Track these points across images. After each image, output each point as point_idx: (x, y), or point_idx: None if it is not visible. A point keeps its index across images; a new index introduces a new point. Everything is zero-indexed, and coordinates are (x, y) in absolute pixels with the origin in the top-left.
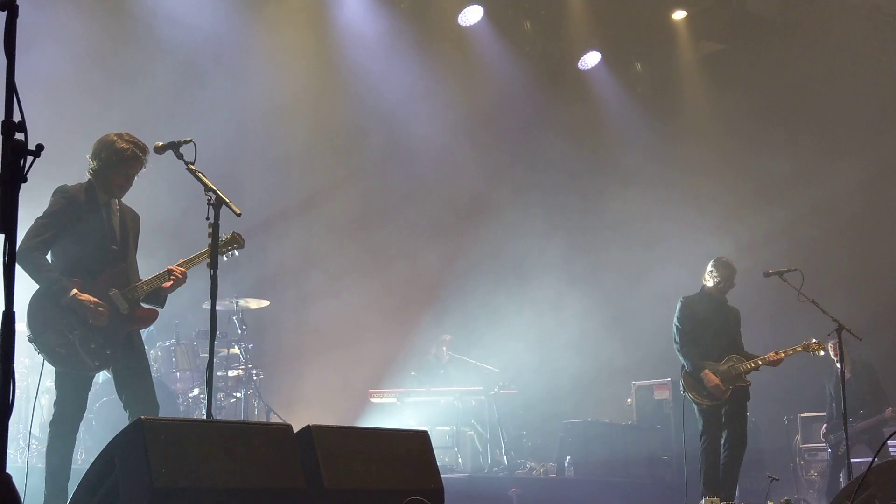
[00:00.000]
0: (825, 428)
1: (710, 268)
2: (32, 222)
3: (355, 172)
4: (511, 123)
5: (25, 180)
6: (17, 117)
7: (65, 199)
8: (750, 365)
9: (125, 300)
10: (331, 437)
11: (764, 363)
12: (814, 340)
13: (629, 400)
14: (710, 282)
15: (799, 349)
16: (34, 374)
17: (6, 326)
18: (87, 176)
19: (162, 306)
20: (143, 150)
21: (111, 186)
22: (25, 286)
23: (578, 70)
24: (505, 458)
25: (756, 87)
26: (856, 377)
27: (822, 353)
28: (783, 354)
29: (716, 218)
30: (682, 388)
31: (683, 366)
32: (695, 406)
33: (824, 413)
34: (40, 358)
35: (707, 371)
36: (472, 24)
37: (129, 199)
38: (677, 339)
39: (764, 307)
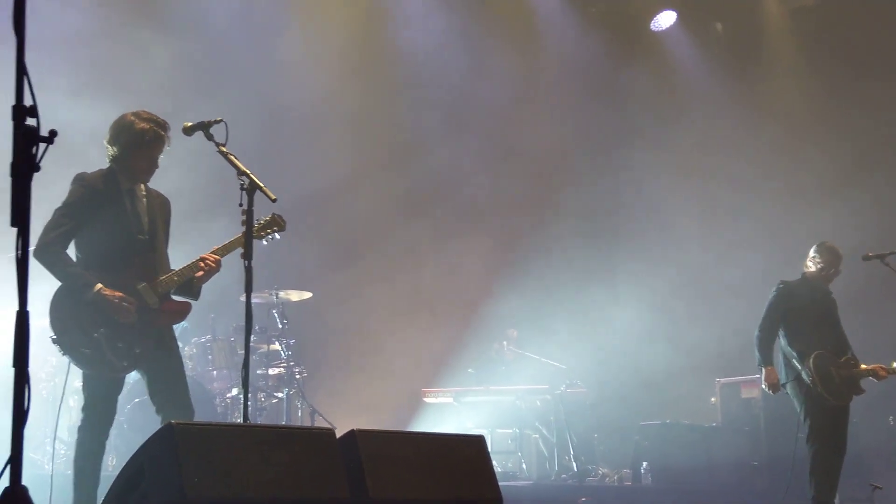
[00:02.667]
0: None
1: (812, 253)
2: (51, 215)
3: (408, 149)
4: (576, 93)
5: (38, 169)
6: (28, 101)
7: (83, 188)
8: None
9: (155, 293)
10: (377, 443)
11: (871, 375)
12: (894, 364)
13: (713, 399)
14: (812, 268)
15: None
16: (61, 375)
17: (20, 327)
18: (108, 162)
19: (196, 298)
20: (165, 127)
21: (135, 171)
22: (47, 283)
23: (651, 32)
24: (574, 463)
25: (855, 47)
26: None
27: None
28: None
29: (809, 196)
30: (805, 376)
31: (794, 355)
32: (807, 403)
33: None
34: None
35: (770, 368)
36: None
37: (157, 182)
38: (761, 325)
39: (862, 295)
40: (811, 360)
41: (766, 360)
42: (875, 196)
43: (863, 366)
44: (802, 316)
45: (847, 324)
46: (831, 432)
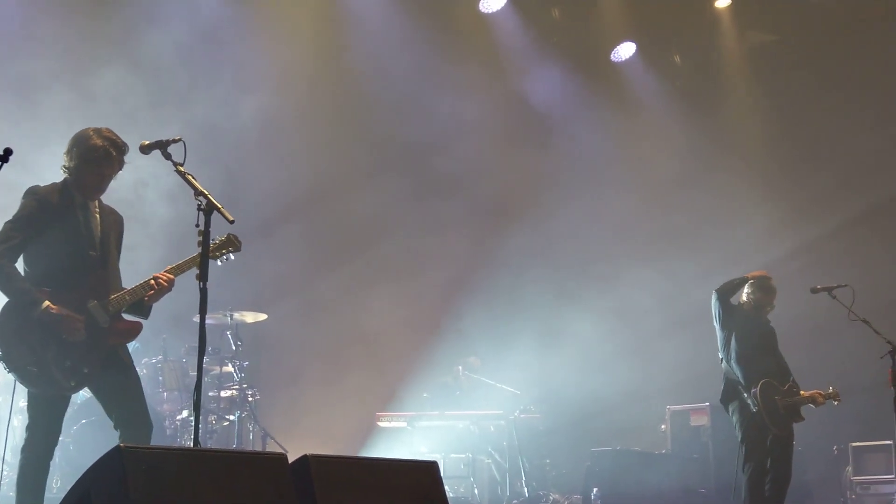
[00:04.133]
0: None
1: (747, 288)
2: (1, 227)
3: (365, 174)
4: (536, 121)
5: None
6: None
7: (35, 202)
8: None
9: (105, 312)
10: (330, 468)
11: (810, 401)
12: (831, 389)
13: (663, 426)
14: (747, 300)
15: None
16: (5, 394)
17: None
18: (63, 175)
19: (146, 317)
20: (120, 149)
21: (84, 187)
22: None
23: (611, 62)
24: (526, 489)
25: (810, 84)
26: None
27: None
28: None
29: (759, 229)
30: (752, 404)
31: (740, 381)
32: (748, 429)
33: (878, 442)
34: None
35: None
36: (494, 10)
37: (112, 199)
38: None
39: (810, 326)
40: (758, 389)
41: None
42: (829, 231)
43: (803, 392)
44: (746, 342)
45: (795, 354)
46: (761, 457)
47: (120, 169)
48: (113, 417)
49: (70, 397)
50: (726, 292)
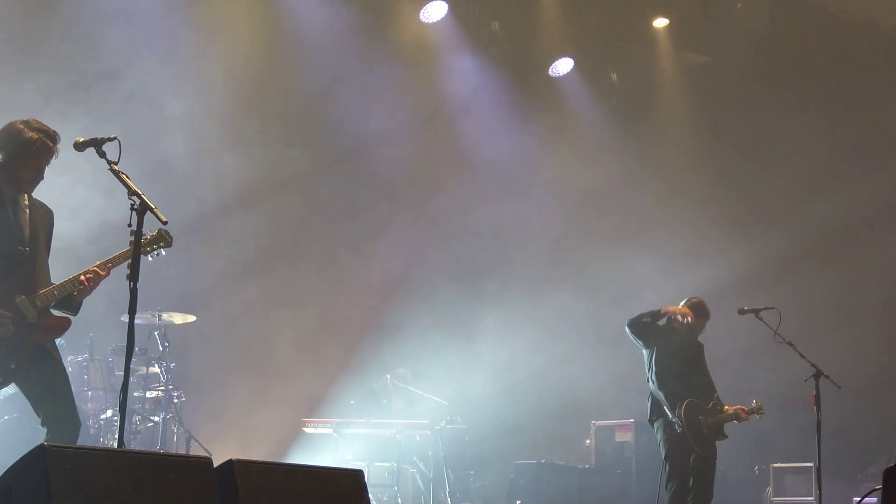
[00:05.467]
0: None
1: (682, 307)
2: None
3: (297, 175)
4: (473, 130)
5: None
6: None
7: None
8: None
9: (33, 307)
10: (255, 474)
11: (734, 418)
12: (754, 403)
13: (588, 441)
14: (680, 321)
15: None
16: None
17: None
18: None
19: (75, 313)
20: (54, 138)
21: (19, 181)
22: None
23: (549, 77)
24: (449, 499)
25: (741, 105)
26: None
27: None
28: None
29: (690, 246)
30: (676, 424)
31: (665, 401)
32: (672, 447)
33: (799, 464)
34: None
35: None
36: (434, 20)
37: (43, 194)
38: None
39: (737, 347)
40: (683, 409)
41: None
42: (757, 252)
43: (727, 408)
44: (671, 361)
45: (721, 374)
46: (685, 476)
47: (54, 158)
48: (40, 415)
49: None
50: (637, 325)
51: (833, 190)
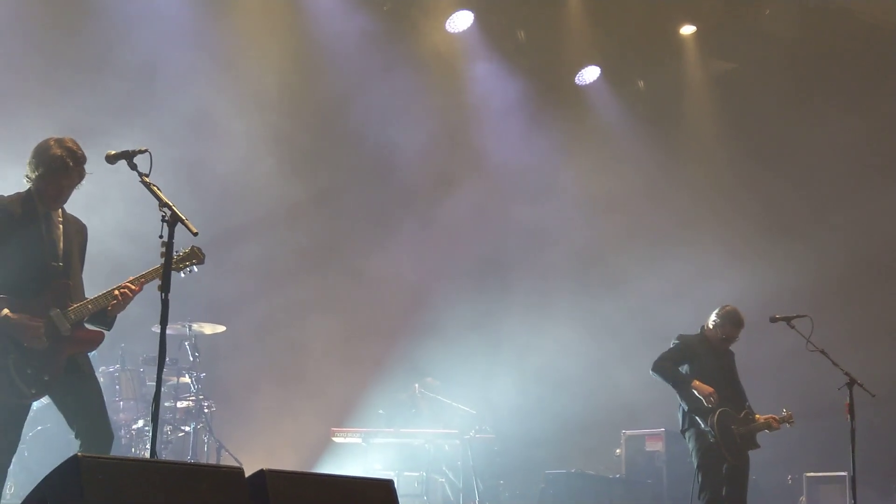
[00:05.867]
0: None
1: (714, 317)
2: None
3: (327, 189)
4: (499, 138)
5: None
6: None
7: None
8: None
9: (67, 321)
10: (286, 484)
11: (766, 427)
12: (784, 411)
13: (618, 451)
14: (713, 329)
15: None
16: None
17: None
18: (26, 184)
19: (109, 328)
20: (78, 160)
21: (44, 197)
22: None
23: (575, 85)
24: None
25: (769, 113)
26: None
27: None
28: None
29: (719, 255)
30: (710, 434)
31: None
32: (704, 457)
33: (832, 473)
34: None
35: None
36: (460, 30)
37: (76, 209)
38: (656, 364)
39: (768, 356)
40: (715, 418)
41: (678, 380)
42: (791, 258)
43: (758, 417)
44: (703, 370)
45: (753, 382)
46: (717, 486)
47: (80, 180)
48: (74, 427)
49: (30, 405)
50: (661, 371)
51: (864, 199)
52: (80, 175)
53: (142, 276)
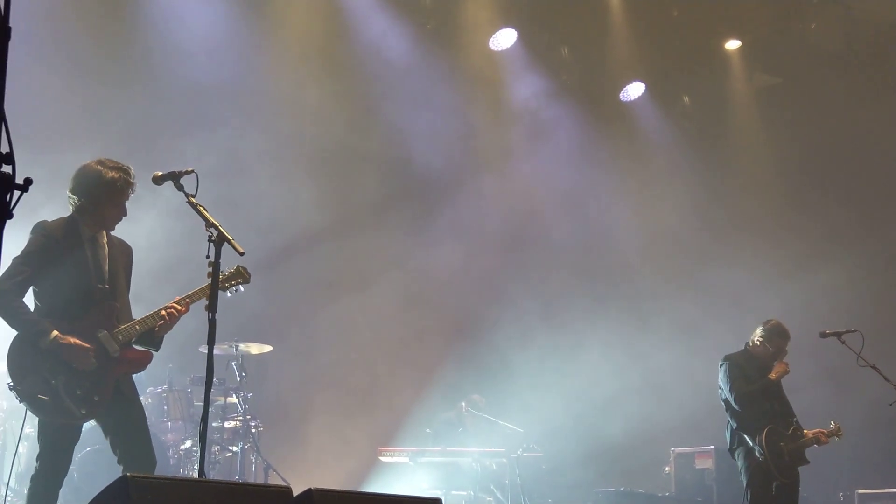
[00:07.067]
0: None
1: (760, 331)
2: (10, 263)
3: (372, 207)
4: (545, 157)
5: (11, 216)
6: (4, 148)
7: (43, 237)
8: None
9: (115, 342)
10: (334, 502)
11: (814, 442)
12: (832, 424)
13: (667, 468)
14: (758, 346)
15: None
16: (14, 419)
17: None
18: (70, 211)
19: (157, 349)
20: (130, 173)
21: (105, 220)
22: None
23: (620, 102)
24: None
25: (816, 127)
26: None
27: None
28: (826, 438)
29: (767, 273)
30: (758, 452)
31: (746, 427)
32: (754, 475)
33: (885, 490)
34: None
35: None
36: (504, 48)
37: (123, 231)
38: (734, 403)
39: (819, 372)
40: (764, 436)
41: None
42: (841, 274)
43: (806, 432)
44: (750, 385)
45: (802, 398)
46: None
47: (133, 192)
48: (117, 452)
49: (81, 427)
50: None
51: None
52: (134, 189)
53: (188, 296)
